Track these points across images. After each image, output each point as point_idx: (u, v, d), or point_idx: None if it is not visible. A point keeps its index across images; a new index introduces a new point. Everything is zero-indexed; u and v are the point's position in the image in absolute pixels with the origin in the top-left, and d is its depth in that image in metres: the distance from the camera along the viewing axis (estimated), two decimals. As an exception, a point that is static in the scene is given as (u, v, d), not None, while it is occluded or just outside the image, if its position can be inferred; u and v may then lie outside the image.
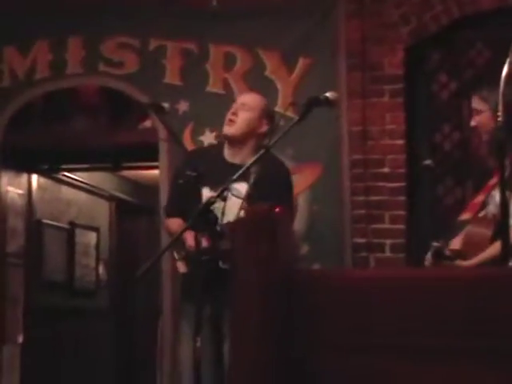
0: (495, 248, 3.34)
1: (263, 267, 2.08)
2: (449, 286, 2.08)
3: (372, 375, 2.06)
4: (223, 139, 3.98)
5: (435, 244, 3.58)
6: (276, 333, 2.10)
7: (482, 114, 3.66)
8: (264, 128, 3.88)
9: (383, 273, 2.42)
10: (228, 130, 3.88)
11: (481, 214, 3.66)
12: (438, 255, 3.55)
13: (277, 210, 2.16)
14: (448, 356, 2.01)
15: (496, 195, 3.49)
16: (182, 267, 3.64)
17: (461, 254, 3.56)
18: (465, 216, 3.71)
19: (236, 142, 3.87)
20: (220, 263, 3.34)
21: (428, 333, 2.05)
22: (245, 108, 3.88)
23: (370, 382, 2.07)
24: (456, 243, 3.62)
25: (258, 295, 2.09)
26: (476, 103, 3.72)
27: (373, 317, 2.10)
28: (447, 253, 3.56)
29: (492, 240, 3.48)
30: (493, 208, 3.58)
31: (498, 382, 1.97)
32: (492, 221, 3.55)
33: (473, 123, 3.75)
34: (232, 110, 3.90)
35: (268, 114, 3.94)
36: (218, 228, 3.30)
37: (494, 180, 3.63)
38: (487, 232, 3.54)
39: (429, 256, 3.60)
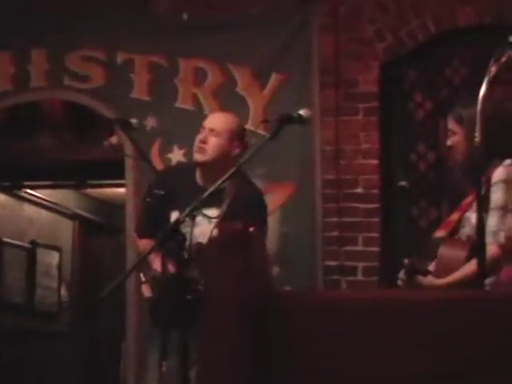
0: (469, 267, 3.31)
1: (237, 283, 2.07)
2: (420, 309, 2.08)
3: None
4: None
5: (406, 261, 3.52)
6: (249, 351, 2.08)
7: (456, 136, 3.60)
8: (236, 151, 3.82)
9: (356, 295, 2.33)
10: (199, 157, 3.82)
11: (456, 236, 3.58)
12: (410, 271, 3.50)
13: (251, 228, 2.14)
14: (420, 382, 2.00)
15: (471, 216, 3.46)
16: (146, 291, 3.57)
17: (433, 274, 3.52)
18: (439, 233, 3.65)
19: (208, 167, 3.80)
20: (187, 295, 3.22)
21: (400, 358, 2.02)
22: (213, 134, 3.81)
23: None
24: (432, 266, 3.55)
25: (231, 312, 2.08)
26: (451, 124, 3.67)
27: (346, 340, 2.08)
28: (418, 267, 3.51)
29: (466, 261, 3.43)
30: (468, 230, 3.55)
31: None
32: (466, 242, 3.50)
33: (449, 143, 3.69)
34: (201, 137, 3.83)
35: (239, 136, 3.87)
36: (186, 250, 3.22)
37: (468, 199, 3.59)
38: (461, 253, 3.50)
39: (401, 274, 3.54)
